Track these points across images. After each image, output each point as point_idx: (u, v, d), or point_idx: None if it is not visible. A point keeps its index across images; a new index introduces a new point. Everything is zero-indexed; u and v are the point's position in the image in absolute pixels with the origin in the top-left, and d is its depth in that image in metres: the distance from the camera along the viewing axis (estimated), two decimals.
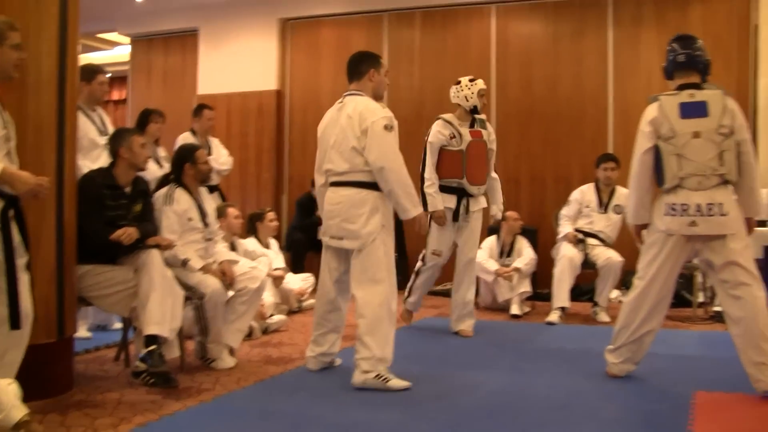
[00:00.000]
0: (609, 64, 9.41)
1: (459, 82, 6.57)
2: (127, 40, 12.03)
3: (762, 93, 8.75)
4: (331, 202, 4.84)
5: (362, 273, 4.71)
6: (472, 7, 9.98)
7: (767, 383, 4.31)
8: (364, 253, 4.70)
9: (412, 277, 6.84)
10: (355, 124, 4.70)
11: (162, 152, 7.18)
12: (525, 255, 7.98)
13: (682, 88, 4.64)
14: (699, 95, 4.57)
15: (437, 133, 6.46)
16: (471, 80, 6.56)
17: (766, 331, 4.35)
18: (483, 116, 6.72)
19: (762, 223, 6.92)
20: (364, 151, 4.67)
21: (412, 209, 4.70)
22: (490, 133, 6.70)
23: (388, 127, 4.67)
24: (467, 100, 6.50)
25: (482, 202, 6.70)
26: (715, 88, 4.63)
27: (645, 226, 4.80)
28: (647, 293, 4.68)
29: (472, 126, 6.56)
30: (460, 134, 6.46)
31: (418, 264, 6.75)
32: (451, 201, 6.48)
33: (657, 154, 4.61)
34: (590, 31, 9.54)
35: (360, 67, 4.98)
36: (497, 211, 6.90)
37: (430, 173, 6.39)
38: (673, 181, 4.55)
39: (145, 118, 7.15)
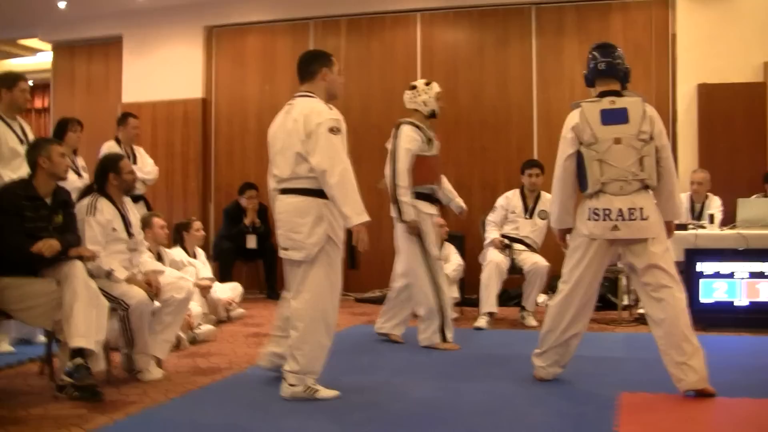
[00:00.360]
0: (533, 72, 9.54)
1: (414, 87, 6.46)
2: (49, 46, 11.79)
3: (681, 100, 8.99)
4: (278, 211, 4.68)
5: (300, 284, 4.55)
6: (398, 15, 10.03)
7: (689, 382, 4.42)
8: (307, 269, 4.51)
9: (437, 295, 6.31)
10: (300, 127, 4.49)
11: (81, 162, 7.07)
12: (452, 261, 8.04)
13: (603, 95, 4.74)
14: (619, 102, 4.67)
15: (413, 138, 6.23)
16: (427, 84, 6.47)
17: (687, 332, 4.46)
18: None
19: (682, 227, 7.12)
20: (308, 155, 4.45)
21: (355, 217, 4.40)
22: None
23: (334, 130, 4.45)
24: (425, 105, 6.39)
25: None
26: (635, 95, 4.74)
27: (569, 231, 4.89)
28: (572, 297, 4.75)
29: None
30: (430, 139, 6.36)
31: (426, 287, 6.28)
32: (431, 208, 6.35)
33: (579, 159, 4.70)
34: (514, 39, 9.66)
35: (311, 66, 4.76)
36: (461, 203, 6.92)
37: (404, 180, 6.12)
38: (596, 186, 4.63)
39: (63, 128, 7.04)
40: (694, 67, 8.91)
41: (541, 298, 8.13)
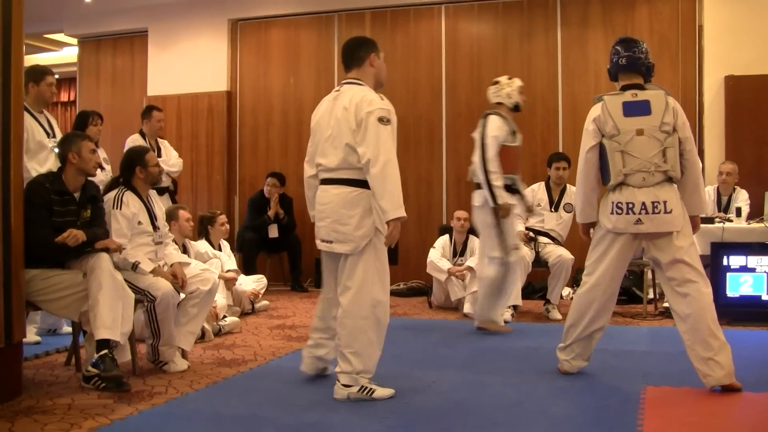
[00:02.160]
0: (558, 64, 9.49)
1: (497, 82, 6.67)
2: (75, 41, 11.87)
3: (707, 92, 8.91)
4: (322, 202, 4.49)
5: (348, 279, 4.38)
6: (422, 8, 10.01)
7: (715, 378, 4.39)
8: (355, 262, 4.36)
9: (493, 284, 6.48)
10: (351, 116, 4.33)
11: (103, 154, 7.11)
12: (477, 254, 8.02)
13: (625, 88, 4.73)
14: (642, 95, 4.66)
15: (499, 127, 6.38)
16: (509, 78, 6.67)
17: (713, 327, 4.42)
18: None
19: (708, 220, 7.07)
20: (357, 146, 4.31)
21: (392, 211, 4.23)
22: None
23: (384, 120, 4.28)
24: (509, 98, 6.58)
25: None
26: (658, 88, 4.71)
27: (593, 225, 4.87)
28: (596, 291, 4.74)
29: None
30: (514, 131, 6.52)
31: (497, 269, 6.44)
32: (512, 198, 6.45)
33: (602, 152, 4.69)
34: (539, 31, 9.62)
35: (359, 52, 4.59)
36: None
37: (495, 166, 6.26)
38: (618, 177, 4.62)
39: (84, 120, 7.06)
40: (721, 58, 8.83)
41: (566, 291, 8.11)
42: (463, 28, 9.92)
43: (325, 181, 4.51)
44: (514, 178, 6.55)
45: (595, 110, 4.74)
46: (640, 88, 4.71)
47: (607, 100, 4.71)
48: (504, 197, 6.28)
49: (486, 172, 6.28)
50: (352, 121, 4.34)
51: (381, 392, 4.39)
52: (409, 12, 10.07)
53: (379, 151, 4.23)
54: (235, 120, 10.70)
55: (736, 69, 8.72)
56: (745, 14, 8.81)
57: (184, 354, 5.28)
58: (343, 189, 4.40)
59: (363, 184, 4.34)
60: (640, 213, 4.56)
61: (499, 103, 6.61)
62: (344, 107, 4.39)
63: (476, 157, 6.39)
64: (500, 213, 6.30)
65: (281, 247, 9.63)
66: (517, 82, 6.65)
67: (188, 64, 10.70)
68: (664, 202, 4.53)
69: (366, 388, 4.35)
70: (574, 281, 8.04)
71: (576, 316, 4.84)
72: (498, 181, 6.26)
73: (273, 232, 9.51)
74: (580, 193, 4.88)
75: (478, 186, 6.42)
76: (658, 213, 4.53)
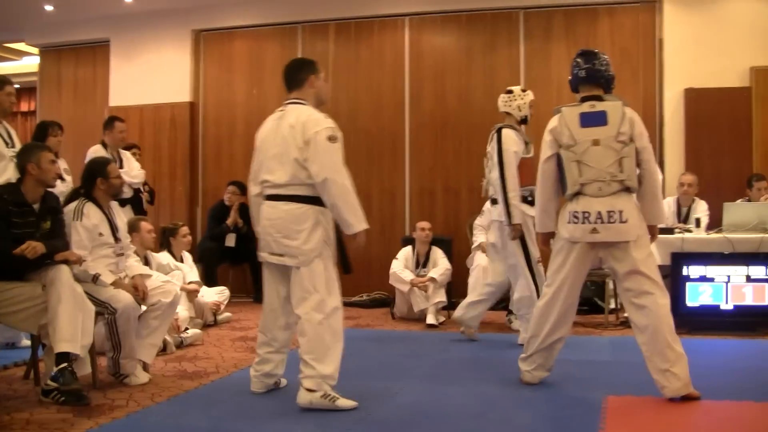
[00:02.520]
0: (521, 76, 9.55)
1: (511, 92, 6.61)
2: (36, 50, 11.76)
3: (668, 104, 9.03)
4: (270, 217, 4.60)
5: (302, 291, 4.49)
6: (386, 19, 10.03)
7: (671, 389, 4.44)
8: (303, 270, 4.48)
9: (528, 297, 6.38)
10: (298, 134, 4.47)
11: (63, 164, 7.03)
12: (440, 265, 8.07)
13: (584, 100, 4.77)
14: (599, 106, 4.70)
15: (516, 141, 6.35)
16: (523, 90, 6.62)
17: (670, 339, 4.47)
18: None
19: (668, 231, 7.16)
20: (306, 163, 4.43)
21: (356, 224, 4.45)
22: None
23: (332, 138, 4.45)
24: (519, 110, 6.53)
25: None
26: (616, 99, 4.75)
27: (553, 235, 4.91)
28: (555, 301, 4.78)
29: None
30: (527, 142, 6.51)
31: (530, 285, 6.36)
32: (531, 209, 6.21)
33: (560, 163, 4.73)
34: (502, 44, 9.68)
35: (298, 74, 4.75)
36: None
37: (515, 185, 6.22)
38: (574, 187, 4.66)
39: (44, 131, 6.99)
40: (681, 71, 8.96)
41: None
42: (427, 40, 9.96)
43: (273, 197, 4.62)
44: (531, 189, 6.50)
45: (553, 121, 4.80)
46: (599, 99, 4.74)
47: (565, 111, 4.77)
48: (518, 217, 6.20)
49: (505, 190, 6.23)
50: (299, 138, 4.47)
51: (344, 402, 4.42)
52: (373, 24, 10.10)
53: (334, 170, 4.41)
54: (198, 131, 10.64)
55: (696, 82, 8.85)
56: (704, 28, 8.95)
57: (145, 367, 5.23)
58: (292, 205, 4.53)
59: (311, 200, 4.50)
60: (595, 222, 4.59)
61: (508, 114, 6.56)
62: (290, 125, 4.53)
63: (495, 174, 6.34)
64: (514, 234, 6.25)
65: (243, 258, 9.58)
66: (530, 96, 6.59)
67: (151, 75, 10.63)
68: (620, 212, 4.56)
69: (329, 395, 4.39)
70: None
71: (536, 326, 4.87)
72: (516, 200, 6.21)
73: (230, 241, 9.45)
74: (537, 203, 4.95)
75: (494, 201, 6.43)
76: (614, 222, 4.56)
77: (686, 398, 4.44)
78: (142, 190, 8.36)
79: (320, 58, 9.99)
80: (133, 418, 4.26)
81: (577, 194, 4.67)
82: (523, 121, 6.59)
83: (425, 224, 8.21)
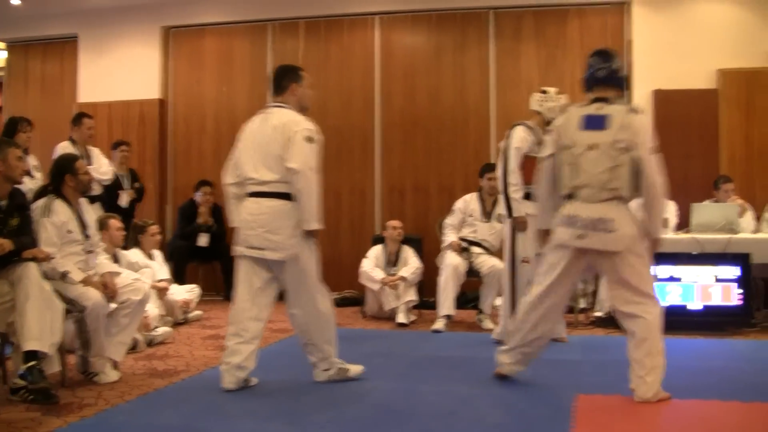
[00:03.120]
0: (490, 76, 9.60)
1: (546, 92, 6.60)
2: (3, 45, 11.61)
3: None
4: (253, 212, 4.84)
5: (299, 285, 4.86)
6: (356, 18, 10.03)
7: (639, 395, 4.43)
8: (294, 266, 4.80)
9: (508, 296, 6.47)
10: (279, 134, 4.77)
11: (33, 161, 6.96)
12: (411, 264, 8.07)
13: (595, 101, 4.68)
14: (605, 109, 4.60)
15: (523, 139, 6.41)
16: (558, 92, 6.61)
17: (653, 348, 4.46)
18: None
19: None
20: (285, 160, 4.72)
21: (314, 222, 4.74)
22: None
23: (309, 139, 4.76)
24: (550, 112, 6.47)
25: None
26: (629, 106, 4.65)
27: (549, 233, 4.87)
28: (539, 301, 4.77)
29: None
30: (540, 141, 6.33)
31: (506, 281, 6.50)
32: (531, 208, 6.20)
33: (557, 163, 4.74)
34: (472, 43, 9.72)
35: (282, 81, 5.02)
36: None
37: (516, 179, 6.30)
38: (566, 190, 4.65)
39: (13, 127, 6.93)
40: (650, 73, 9.03)
41: (498, 301, 8.16)
42: (397, 39, 9.97)
43: (257, 194, 4.87)
44: (531, 188, 6.56)
45: (559, 119, 4.80)
46: (608, 102, 4.65)
47: (572, 111, 4.74)
48: (519, 210, 6.28)
49: (506, 184, 6.31)
50: (280, 138, 4.77)
51: (353, 370, 5.09)
52: (343, 22, 10.09)
53: (307, 165, 4.71)
54: (167, 128, 10.57)
55: (664, 83, 8.93)
56: (673, 30, 9.04)
57: (115, 365, 5.19)
58: (276, 202, 4.80)
59: (294, 197, 4.78)
60: (583, 228, 4.53)
61: (538, 112, 6.57)
62: (273, 126, 4.83)
63: (499, 170, 6.42)
64: (517, 226, 6.32)
65: (214, 256, 9.54)
66: (563, 100, 6.53)
67: (120, 71, 10.53)
68: (610, 221, 4.47)
69: (341, 368, 5.02)
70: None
71: (520, 322, 4.87)
72: (517, 194, 6.28)
73: (202, 240, 9.42)
74: (538, 200, 4.98)
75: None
76: (602, 231, 4.49)
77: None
78: (129, 186, 8.40)
79: (290, 56, 10.03)
80: (103, 417, 4.23)
81: (570, 198, 4.65)
82: (549, 122, 6.59)
83: (396, 223, 8.22)
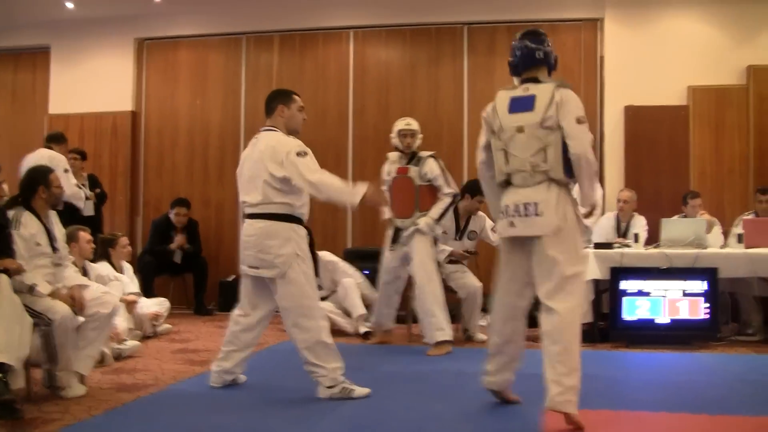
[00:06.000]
0: (464, 90, 9.66)
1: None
2: None
3: (608, 122, 9.18)
4: (247, 234, 5.07)
5: (287, 302, 4.98)
6: (331, 32, 10.06)
7: (546, 401, 4.23)
8: (284, 285, 4.95)
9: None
10: (267, 157, 4.94)
11: None
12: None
13: (524, 82, 4.53)
14: (532, 89, 4.39)
15: (383, 169, 7.21)
16: (399, 120, 7.14)
17: (563, 351, 4.21)
18: (425, 153, 7.11)
19: (607, 246, 7.26)
20: (284, 182, 4.91)
21: (351, 199, 4.89)
22: (423, 170, 7.00)
23: (301, 153, 4.91)
24: (393, 140, 7.14)
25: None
26: (556, 82, 4.41)
27: None
28: (497, 302, 4.62)
29: (408, 163, 7.08)
30: (389, 171, 7.07)
31: None
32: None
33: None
34: (446, 58, 9.77)
35: (272, 103, 5.23)
36: (420, 220, 6.94)
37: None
38: (501, 176, 4.49)
39: None
40: (621, 89, 9.12)
41: (483, 321, 7.91)
42: (372, 54, 10.01)
43: (250, 216, 5.10)
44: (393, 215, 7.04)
45: (488, 107, 4.60)
46: (536, 81, 4.44)
47: (499, 95, 4.55)
48: None
49: None
50: (268, 161, 4.94)
51: (359, 391, 4.98)
52: (317, 36, 10.11)
53: (313, 174, 4.88)
54: (139, 141, 10.54)
55: (636, 100, 9.01)
56: (644, 47, 9.13)
57: (82, 379, 5.13)
58: (264, 222, 5.00)
59: (282, 217, 4.98)
60: (513, 215, 4.36)
61: None
62: (261, 150, 5.02)
63: None
64: None
65: (186, 268, 9.51)
66: (399, 125, 7.17)
67: (93, 83, 10.49)
68: (535, 204, 4.27)
69: (345, 388, 4.95)
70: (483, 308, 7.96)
71: (489, 328, 4.77)
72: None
73: (177, 257, 9.42)
74: (484, 193, 4.90)
75: None
76: (528, 215, 4.29)
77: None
78: (90, 195, 8.36)
79: (264, 69, 10.05)
80: None
81: (507, 185, 4.47)
82: (398, 149, 7.20)
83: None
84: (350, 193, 4.90)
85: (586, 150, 4.26)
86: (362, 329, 7.70)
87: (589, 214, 4.56)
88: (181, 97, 10.43)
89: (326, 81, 10.02)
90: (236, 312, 5.30)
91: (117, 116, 10.42)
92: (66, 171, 7.63)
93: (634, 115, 9.02)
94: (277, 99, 5.25)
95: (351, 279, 8.14)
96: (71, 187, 7.70)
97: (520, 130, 4.36)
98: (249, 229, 5.06)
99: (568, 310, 4.22)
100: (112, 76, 10.49)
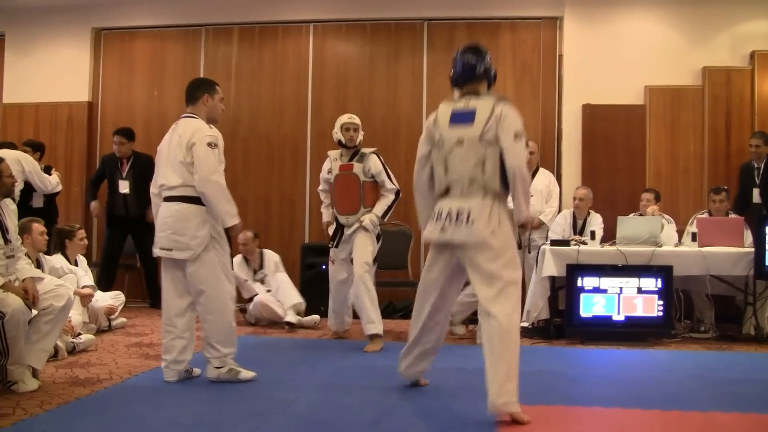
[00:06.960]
0: (423, 86, 9.67)
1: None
2: None
3: (566, 120, 9.23)
4: (164, 216, 5.22)
5: (200, 282, 5.14)
6: (290, 26, 10.01)
7: (491, 406, 4.25)
8: (197, 263, 5.12)
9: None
10: (184, 141, 5.11)
11: None
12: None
13: (464, 94, 4.64)
14: (473, 103, 4.54)
15: (323, 168, 7.31)
16: (343, 115, 7.17)
17: (499, 353, 4.28)
18: (368, 150, 7.06)
19: (564, 243, 7.32)
20: (191, 167, 5.08)
21: (229, 219, 5.17)
22: (367, 165, 6.97)
23: (211, 145, 5.11)
24: (335, 135, 7.09)
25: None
26: (492, 96, 4.57)
27: None
28: (419, 299, 4.78)
29: (351, 159, 6.99)
30: (331, 169, 7.08)
31: None
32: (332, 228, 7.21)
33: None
34: (406, 54, 9.77)
35: (196, 92, 5.36)
36: (365, 217, 6.93)
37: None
38: (440, 188, 4.61)
39: None
40: (579, 87, 9.18)
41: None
42: (331, 48, 9.98)
43: (168, 199, 5.25)
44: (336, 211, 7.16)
45: (431, 117, 4.75)
46: (477, 95, 4.60)
47: (441, 107, 4.68)
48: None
49: None
50: (184, 145, 5.13)
51: (245, 374, 5.21)
52: (277, 29, 10.06)
53: (211, 172, 5.07)
54: (96, 132, 10.41)
55: (593, 98, 9.08)
56: (602, 45, 9.20)
57: (35, 373, 5.07)
58: (181, 205, 5.17)
59: (197, 200, 5.14)
60: (444, 221, 4.48)
61: None
62: (179, 135, 5.20)
63: None
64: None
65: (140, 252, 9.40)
66: (342, 119, 7.15)
67: (48, 72, 10.33)
68: (468, 211, 4.39)
69: (233, 369, 5.18)
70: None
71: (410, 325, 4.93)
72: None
73: (124, 187, 9.39)
74: (415, 201, 4.92)
75: None
76: (460, 222, 4.40)
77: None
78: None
79: (223, 62, 9.98)
80: (21, 427, 4.11)
81: (444, 194, 4.57)
82: (341, 143, 7.16)
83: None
84: (230, 213, 5.17)
85: (521, 164, 4.39)
86: (288, 318, 7.77)
87: (523, 227, 4.62)
88: (138, 88, 10.32)
89: (285, 75, 9.97)
90: (164, 301, 5.36)
91: (73, 106, 10.29)
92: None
93: (592, 114, 9.09)
94: (202, 88, 5.40)
95: (284, 274, 8.32)
96: (51, 182, 8.32)
97: (459, 142, 4.50)
98: (166, 211, 5.21)
99: (505, 315, 4.31)
100: (68, 65, 10.34)
